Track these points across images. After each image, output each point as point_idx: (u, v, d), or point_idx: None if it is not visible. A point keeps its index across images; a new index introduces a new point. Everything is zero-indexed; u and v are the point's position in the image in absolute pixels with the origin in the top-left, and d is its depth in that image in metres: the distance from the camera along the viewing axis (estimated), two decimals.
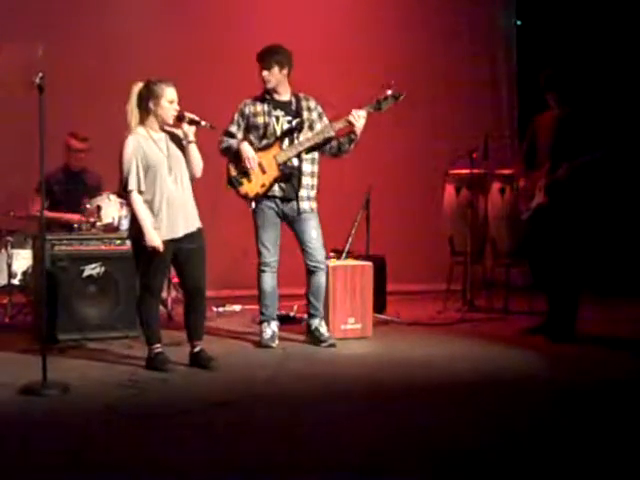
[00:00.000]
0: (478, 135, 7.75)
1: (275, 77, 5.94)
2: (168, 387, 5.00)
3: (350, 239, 6.97)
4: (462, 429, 4.18)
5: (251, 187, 5.95)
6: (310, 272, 6.07)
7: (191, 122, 5.23)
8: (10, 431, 4.16)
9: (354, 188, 7.51)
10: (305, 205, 6.01)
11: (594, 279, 7.14)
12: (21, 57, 7.73)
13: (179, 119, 5.23)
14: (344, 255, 6.81)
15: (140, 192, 5.21)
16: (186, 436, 4.08)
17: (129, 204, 5.36)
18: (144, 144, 5.22)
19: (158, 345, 5.39)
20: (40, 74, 4.75)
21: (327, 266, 6.20)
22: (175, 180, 5.24)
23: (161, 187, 5.21)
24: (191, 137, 5.25)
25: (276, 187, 5.97)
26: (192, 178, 5.35)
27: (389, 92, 5.92)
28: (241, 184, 5.95)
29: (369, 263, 6.59)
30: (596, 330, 6.39)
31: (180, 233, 5.26)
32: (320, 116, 6.07)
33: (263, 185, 5.94)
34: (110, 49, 8.01)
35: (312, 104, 6.08)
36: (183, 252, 5.32)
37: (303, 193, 6.01)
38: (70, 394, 4.74)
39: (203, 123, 5.24)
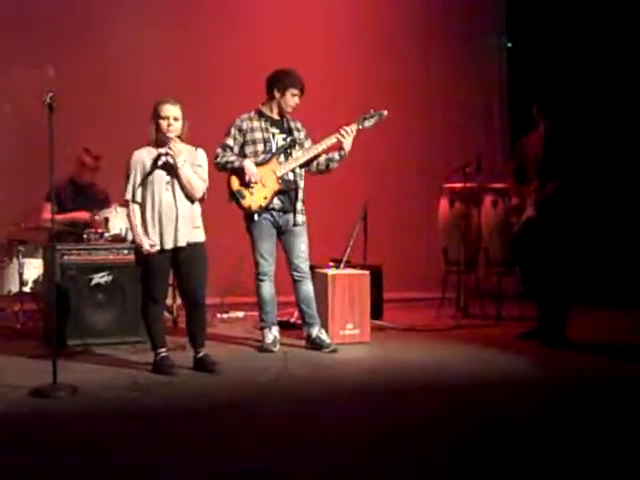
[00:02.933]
0: (471, 151, 7.77)
1: None
2: (173, 390, 4.97)
3: (348, 249, 6.96)
4: (457, 431, 4.16)
5: (254, 200, 5.95)
6: (296, 282, 6.09)
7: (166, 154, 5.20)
8: (21, 431, 4.15)
9: (352, 201, 7.49)
10: (299, 218, 6.05)
11: (585, 288, 7.13)
12: (33, 77, 7.75)
13: (167, 142, 5.20)
14: (342, 264, 6.79)
15: (137, 202, 5.23)
16: (191, 437, 4.05)
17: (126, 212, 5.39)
18: (146, 158, 5.25)
19: (163, 350, 5.38)
20: (50, 94, 4.78)
21: (310, 275, 6.18)
22: (171, 195, 5.23)
23: (153, 199, 5.22)
24: (179, 164, 5.19)
25: (275, 200, 5.98)
26: (193, 199, 5.30)
27: (372, 111, 6.04)
28: (244, 197, 5.95)
29: (366, 272, 6.59)
30: (586, 336, 6.36)
31: (168, 245, 5.23)
32: (306, 137, 6.15)
33: (265, 198, 5.96)
34: (117, 67, 8.02)
35: (299, 125, 6.17)
36: (178, 265, 5.32)
37: (299, 206, 6.06)
38: (79, 396, 4.72)
39: (174, 163, 5.18)
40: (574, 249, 6.16)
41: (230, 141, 6.00)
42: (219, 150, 5.97)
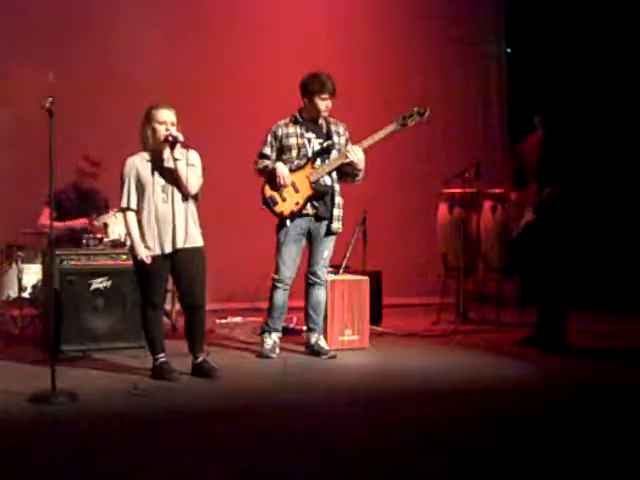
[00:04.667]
0: (470, 156, 7.78)
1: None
2: (172, 395, 4.97)
3: (348, 255, 6.96)
4: (456, 436, 4.15)
5: (286, 206, 5.93)
6: (310, 285, 6.07)
7: (174, 140, 5.20)
8: (20, 437, 4.12)
9: (352, 206, 7.46)
10: (335, 225, 6.02)
11: (583, 293, 7.14)
12: (33, 82, 7.76)
13: (166, 140, 5.21)
14: (342, 270, 6.80)
15: (132, 210, 5.24)
16: (190, 443, 4.04)
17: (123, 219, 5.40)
18: (139, 165, 5.26)
19: (162, 355, 5.37)
20: (50, 99, 4.78)
21: (327, 282, 6.18)
22: (167, 199, 5.23)
23: (149, 205, 5.23)
24: (177, 156, 5.19)
25: (309, 206, 5.95)
26: (187, 197, 5.29)
27: (415, 108, 5.95)
28: (276, 203, 5.93)
29: (366, 278, 6.59)
30: (585, 341, 6.37)
31: (168, 249, 5.24)
32: (347, 141, 6.08)
33: (297, 203, 5.93)
34: (117, 71, 8.03)
35: (341, 129, 6.10)
36: (177, 269, 5.32)
37: (336, 212, 6.02)
38: (78, 402, 4.71)
39: (181, 139, 5.20)
40: (572, 253, 6.16)
41: (267, 149, 5.98)
42: (257, 159, 5.97)
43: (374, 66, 8.87)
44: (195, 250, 5.32)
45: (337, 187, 6.03)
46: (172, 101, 5.35)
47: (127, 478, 3.58)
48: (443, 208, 7.74)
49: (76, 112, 7.14)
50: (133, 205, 5.25)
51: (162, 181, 5.25)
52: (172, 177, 5.25)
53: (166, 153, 5.26)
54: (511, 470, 3.65)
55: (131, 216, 5.26)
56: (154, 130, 5.23)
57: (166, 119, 5.22)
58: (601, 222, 8.06)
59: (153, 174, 5.25)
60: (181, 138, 5.19)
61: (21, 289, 6.49)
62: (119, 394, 4.91)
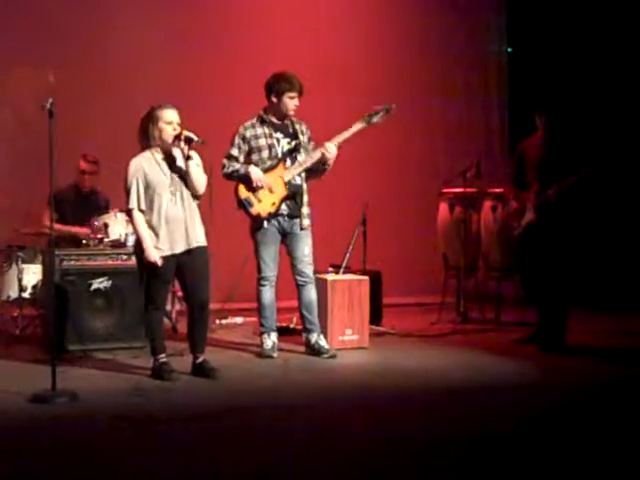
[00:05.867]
0: (471, 156, 7.79)
1: None
2: (172, 395, 4.99)
3: (348, 255, 6.97)
4: (456, 435, 4.17)
5: (262, 207, 5.95)
6: (300, 286, 6.09)
7: (187, 140, 5.22)
8: (20, 437, 4.15)
9: (352, 207, 7.50)
10: (305, 222, 6.05)
11: (583, 292, 7.15)
12: (33, 83, 7.78)
13: (177, 138, 5.23)
14: (342, 270, 6.80)
15: (141, 210, 5.24)
16: (190, 442, 4.07)
17: (131, 222, 5.38)
18: (146, 165, 5.27)
19: (163, 355, 5.39)
20: (50, 100, 4.81)
21: (314, 280, 6.19)
22: (175, 199, 5.25)
23: (159, 206, 5.24)
24: (191, 154, 5.24)
25: (283, 205, 5.98)
26: (196, 196, 5.34)
27: (377, 107, 6.04)
28: (252, 205, 5.95)
29: (366, 277, 6.60)
30: (585, 340, 6.38)
31: (179, 249, 5.26)
32: (309, 140, 6.14)
33: (273, 204, 5.96)
34: (117, 73, 8.04)
35: (304, 128, 6.15)
36: (186, 268, 5.33)
37: (304, 210, 6.06)
38: (78, 402, 4.73)
39: (196, 139, 5.22)
40: (573, 253, 6.17)
41: (235, 151, 6.00)
42: (225, 161, 5.98)
43: (374, 66, 8.87)
44: (201, 249, 5.34)
45: (305, 185, 6.08)
46: (170, 102, 5.35)
47: (127, 477, 3.59)
48: (444, 207, 7.74)
49: (76, 113, 7.17)
50: (142, 206, 5.25)
51: (170, 181, 5.26)
52: (180, 177, 5.27)
53: (176, 152, 5.27)
54: (512, 467, 3.66)
55: (140, 217, 5.26)
56: (161, 130, 5.24)
57: (173, 119, 5.24)
58: (601, 222, 8.06)
59: (161, 175, 5.26)
60: (195, 138, 5.21)
61: (21, 289, 6.50)
62: (119, 394, 4.93)
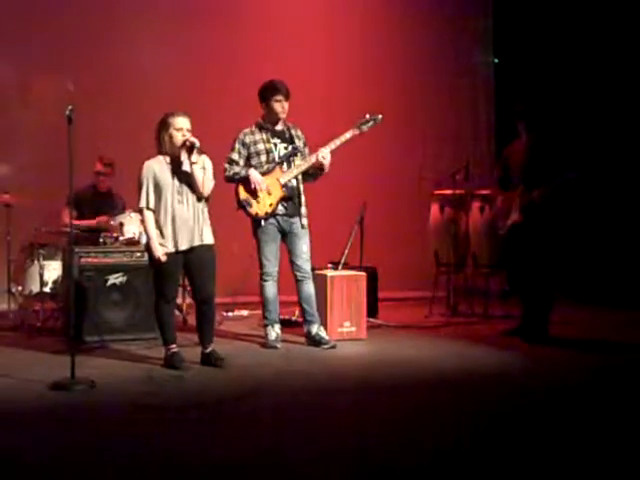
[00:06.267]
0: (460, 160, 7.79)
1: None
2: (183, 383, 5.00)
3: (346, 252, 6.98)
4: (447, 421, 4.18)
5: (260, 207, 5.97)
6: (299, 281, 6.09)
7: (190, 147, 5.22)
8: (41, 423, 4.16)
9: (349, 207, 7.51)
10: (304, 221, 6.07)
11: (568, 286, 7.16)
12: (54, 91, 7.80)
13: (183, 144, 5.23)
14: (340, 266, 6.80)
15: (151, 209, 5.24)
16: (200, 427, 4.07)
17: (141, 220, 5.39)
18: (156, 168, 5.27)
19: (174, 346, 5.39)
20: (70, 107, 4.81)
21: (312, 275, 6.19)
22: (182, 200, 5.25)
23: (166, 206, 5.24)
24: (194, 159, 5.22)
25: (280, 206, 6.00)
26: (201, 198, 5.33)
27: (368, 115, 6.10)
28: (251, 206, 5.97)
29: (363, 273, 6.60)
30: (567, 333, 6.37)
31: (184, 247, 5.26)
32: (304, 144, 6.16)
33: (271, 205, 5.98)
34: (133, 83, 8.06)
35: (299, 133, 6.18)
36: (192, 264, 5.33)
37: (303, 210, 6.07)
38: (96, 390, 4.73)
39: (198, 145, 5.21)
40: (556, 251, 6.17)
41: (235, 155, 6.02)
42: (226, 165, 5.99)
43: (371, 73, 8.89)
44: (207, 247, 5.34)
45: (301, 187, 6.10)
46: (182, 109, 5.35)
47: (141, 460, 3.59)
48: (435, 208, 7.74)
49: (95, 119, 7.18)
50: (152, 205, 5.25)
51: (178, 183, 5.26)
52: (187, 180, 5.27)
53: (183, 157, 5.27)
54: (498, 453, 3.67)
55: (149, 215, 5.26)
56: (171, 136, 5.24)
57: (182, 126, 5.24)
58: (583, 220, 8.05)
59: (170, 177, 5.26)
60: (198, 144, 5.21)
61: (42, 284, 6.51)
62: (133, 382, 4.94)
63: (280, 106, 6.00)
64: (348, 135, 6.06)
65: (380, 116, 6.11)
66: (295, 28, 8.70)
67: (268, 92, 6.00)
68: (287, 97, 6.01)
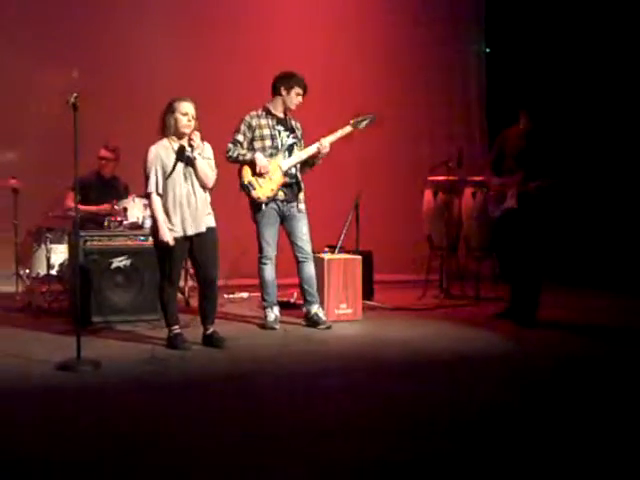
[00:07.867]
0: (453, 147, 7.78)
1: None
2: (185, 363, 5.01)
3: (342, 236, 6.96)
4: (439, 400, 4.20)
5: (262, 191, 5.97)
6: (300, 263, 6.10)
7: (181, 151, 5.21)
8: (48, 402, 4.17)
9: (346, 192, 7.49)
10: (302, 206, 6.09)
11: (558, 271, 7.15)
12: (62, 80, 7.78)
13: (189, 140, 5.22)
14: (337, 250, 6.80)
15: (159, 195, 5.22)
16: (202, 404, 4.09)
17: (149, 205, 5.37)
18: (162, 153, 5.25)
19: (176, 327, 5.39)
20: (75, 94, 4.77)
21: (313, 257, 6.21)
22: (187, 186, 5.24)
23: (174, 191, 5.23)
24: (194, 154, 5.21)
25: (280, 191, 6.00)
26: (205, 187, 5.32)
27: (364, 114, 6.19)
28: (254, 189, 5.97)
29: (359, 257, 6.61)
30: (555, 316, 6.38)
31: (190, 231, 5.26)
32: (302, 136, 6.19)
33: (272, 190, 5.98)
34: (138, 72, 8.06)
35: (298, 125, 6.20)
36: (197, 248, 5.33)
37: (300, 196, 6.10)
38: (101, 369, 4.74)
39: (188, 150, 5.21)
40: (548, 238, 6.16)
41: (240, 137, 6.00)
42: (230, 145, 5.97)
43: (368, 66, 8.86)
44: (210, 231, 5.34)
45: (299, 175, 6.11)
46: (187, 96, 5.33)
47: (146, 437, 3.61)
48: (428, 194, 7.73)
49: (98, 107, 7.14)
50: (160, 190, 5.23)
51: (184, 169, 5.25)
52: (193, 164, 5.24)
53: (185, 143, 5.25)
54: (490, 430, 3.68)
55: (157, 200, 5.24)
56: (176, 120, 5.22)
57: (188, 111, 5.22)
58: (578, 208, 8.06)
59: (175, 162, 5.24)
60: (189, 149, 5.19)
61: (49, 267, 6.51)
62: (138, 362, 4.95)
63: (298, 100, 6.03)
64: (347, 130, 6.11)
65: (373, 115, 6.17)
66: (296, 18, 8.68)
67: (293, 82, 5.99)
68: (305, 93, 6.06)
